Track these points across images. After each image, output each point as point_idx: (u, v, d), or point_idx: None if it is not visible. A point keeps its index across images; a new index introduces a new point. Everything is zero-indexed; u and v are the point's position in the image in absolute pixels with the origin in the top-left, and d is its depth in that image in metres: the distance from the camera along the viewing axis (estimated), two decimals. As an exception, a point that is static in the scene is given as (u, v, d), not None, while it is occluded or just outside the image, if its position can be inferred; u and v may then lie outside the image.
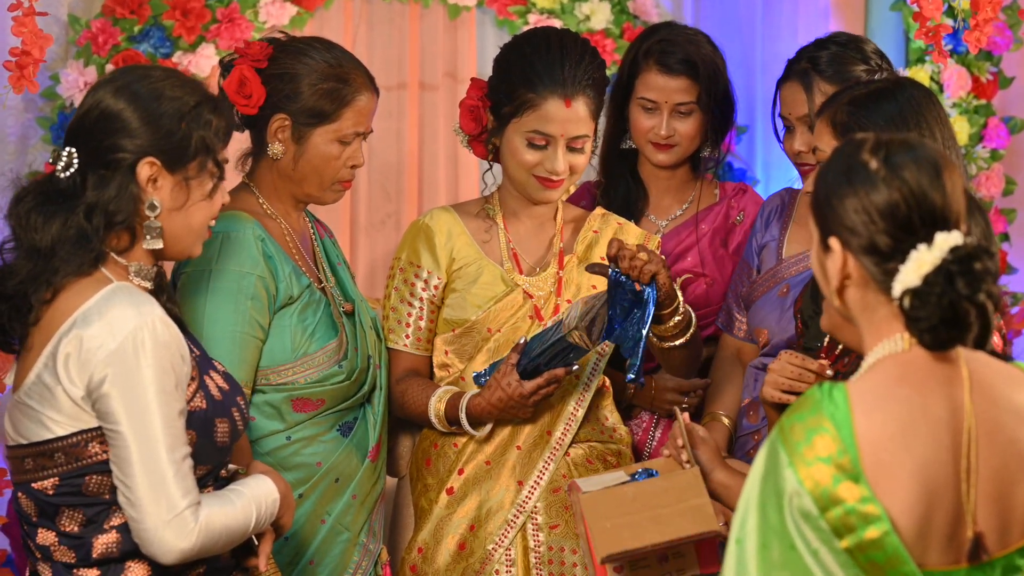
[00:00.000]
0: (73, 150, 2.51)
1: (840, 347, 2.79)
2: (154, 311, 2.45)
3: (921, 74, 4.59)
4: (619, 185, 3.66)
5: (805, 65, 3.31)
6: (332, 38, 3.24)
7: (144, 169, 2.50)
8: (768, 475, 1.91)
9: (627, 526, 2.68)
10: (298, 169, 3.07)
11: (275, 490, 2.60)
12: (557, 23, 4.49)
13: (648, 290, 2.99)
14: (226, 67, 3.06)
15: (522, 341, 3.14)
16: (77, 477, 2.46)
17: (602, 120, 3.42)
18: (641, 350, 2.98)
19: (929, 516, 1.90)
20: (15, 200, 2.52)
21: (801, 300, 3.01)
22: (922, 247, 1.93)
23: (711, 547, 2.83)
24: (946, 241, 1.93)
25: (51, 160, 2.53)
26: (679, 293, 3.16)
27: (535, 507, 3.21)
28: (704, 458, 2.75)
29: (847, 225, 1.99)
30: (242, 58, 3.04)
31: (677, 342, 3.22)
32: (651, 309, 2.99)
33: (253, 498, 2.56)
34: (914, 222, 1.95)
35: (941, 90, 4.62)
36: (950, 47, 4.52)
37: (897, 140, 2.02)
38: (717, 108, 3.57)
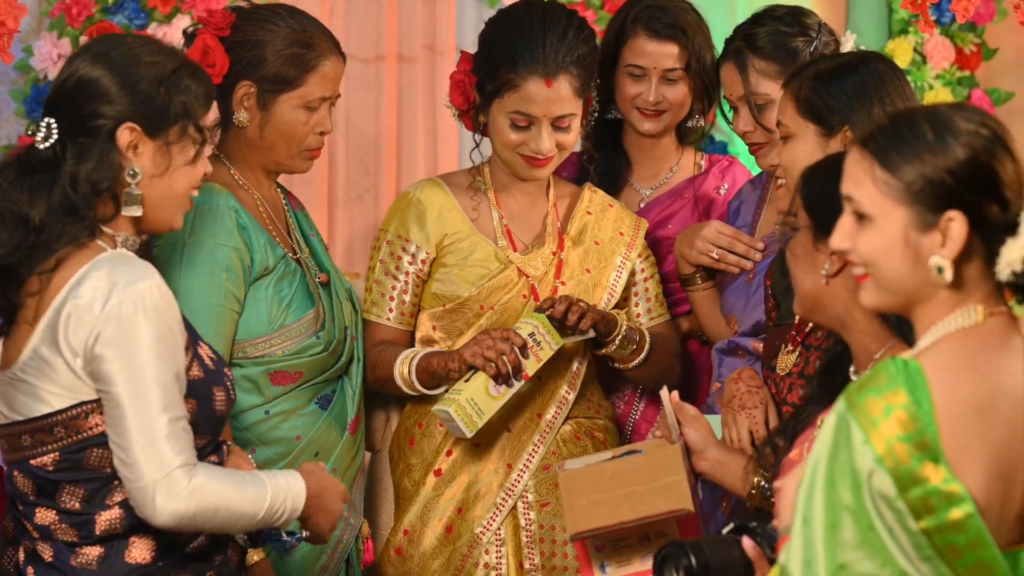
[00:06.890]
0: (52, 121, 2.49)
1: (809, 325, 2.75)
2: (152, 274, 2.44)
3: (904, 45, 4.57)
4: (603, 155, 3.62)
5: (739, 44, 3.28)
6: (309, 10, 3.20)
7: (124, 135, 2.48)
8: (838, 451, 1.82)
9: (601, 503, 2.66)
10: (265, 137, 3.04)
11: (303, 488, 2.53)
12: (537, -6, 4.43)
13: None
14: (189, 37, 3.03)
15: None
16: (77, 452, 2.44)
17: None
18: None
19: (1006, 497, 1.84)
20: None
21: (771, 275, 2.97)
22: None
23: (694, 523, 2.79)
24: None
25: (30, 133, 2.51)
26: (621, 324, 3.17)
27: (526, 486, 3.18)
28: (695, 437, 2.70)
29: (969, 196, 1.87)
30: (205, 27, 3.01)
31: (631, 364, 3.23)
32: None
33: (272, 486, 2.49)
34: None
35: (925, 61, 4.60)
36: (934, 17, 4.49)
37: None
38: (705, 76, 3.53)
